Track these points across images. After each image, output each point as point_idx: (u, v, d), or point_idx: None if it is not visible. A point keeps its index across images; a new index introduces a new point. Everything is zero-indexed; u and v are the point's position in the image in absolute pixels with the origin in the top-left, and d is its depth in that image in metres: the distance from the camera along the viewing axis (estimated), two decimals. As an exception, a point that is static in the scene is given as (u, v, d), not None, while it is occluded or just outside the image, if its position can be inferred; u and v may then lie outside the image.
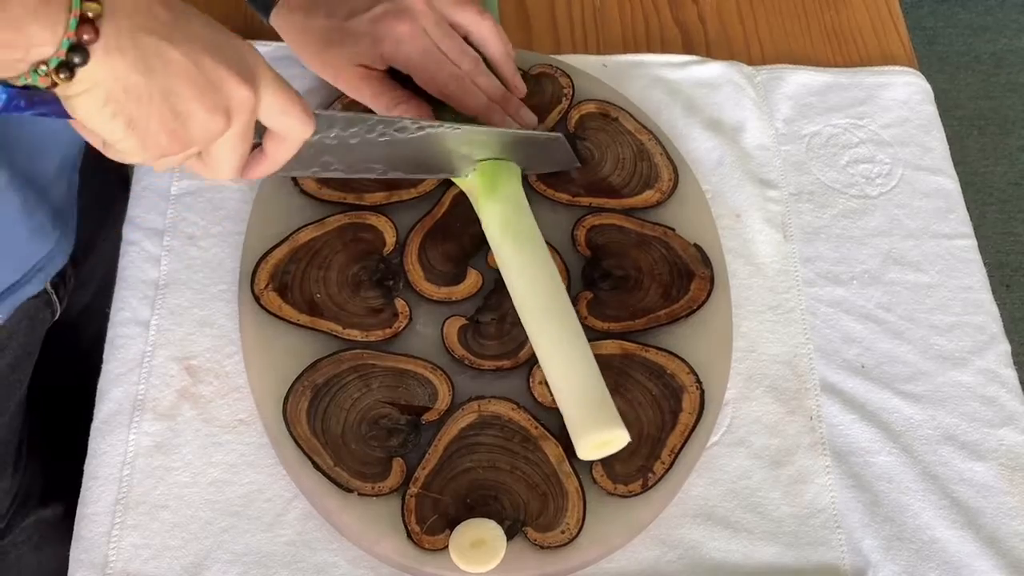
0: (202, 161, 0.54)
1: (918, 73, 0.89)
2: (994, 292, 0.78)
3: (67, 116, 0.48)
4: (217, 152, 0.53)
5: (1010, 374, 0.75)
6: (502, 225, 0.69)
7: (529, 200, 0.73)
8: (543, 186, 0.76)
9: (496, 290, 0.71)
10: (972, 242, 0.80)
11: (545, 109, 0.80)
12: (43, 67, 0.44)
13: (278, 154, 0.57)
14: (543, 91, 0.81)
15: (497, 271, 0.71)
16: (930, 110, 0.87)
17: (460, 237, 0.73)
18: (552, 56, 0.85)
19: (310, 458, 0.64)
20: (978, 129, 1.97)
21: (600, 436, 0.63)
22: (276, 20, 0.75)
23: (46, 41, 0.44)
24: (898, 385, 0.73)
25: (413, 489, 0.63)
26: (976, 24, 2.12)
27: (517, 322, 0.69)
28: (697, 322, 0.71)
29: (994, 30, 2.12)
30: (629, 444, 0.65)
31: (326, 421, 0.65)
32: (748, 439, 0.70)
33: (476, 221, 0.72)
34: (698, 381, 0.69)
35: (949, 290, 0.78)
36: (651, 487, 0.65)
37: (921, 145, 0.85)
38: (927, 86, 0.88)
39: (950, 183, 0.83)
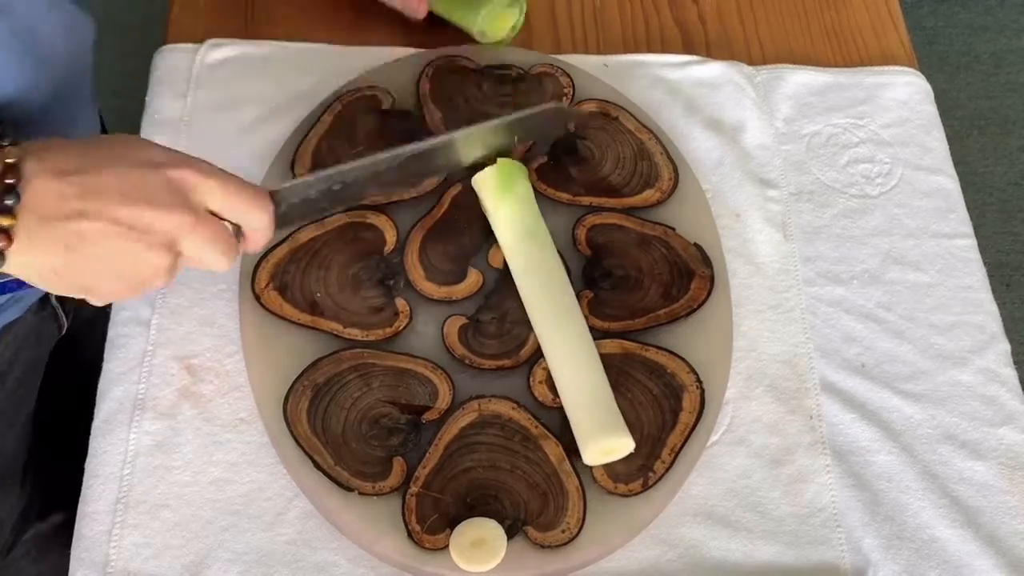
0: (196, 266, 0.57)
1: (918, 73, 0.89)
2: (994, 292, 0.78)
3: None
4: (198, 261, 0.56)
5: (1010, 373, 0.75)
6: (516, 226, 0.70)
7: (529, 199, 0.74)
8: (544, 185, 0.76)
9: (496, 289, 0.71)
10: (972, 242, 0.80)
11: (545, 109, 0.80)
12: None
13: (257, 239, 0.60)
14: (544, 90, 0.81)
15: (498, 270, 0.71)
16: (930, 110, 0.87)
17: (460, 236, 0.73)
18: (552, 56, 0.85)
19: (310, 457, 0.64)
20: (978, 129, 1.97)
21: (608, 443, 0.63)
22: None
23: None
24: (898, 384, 0.73)
25: (414, 488, 0.63)
26: (976, 24, 2.12)
27: (517, 321, 0.70)
28: (697, 321, 0.72)
29: (994, 30, 2.12)
30: (629, 443, 0.66)
31: (326, 420, 0.65)
32: (748, 438, 0.70)
33: (476, 220, 0.72)
34: (698, 380, 0.69)
35: (949, 289, 0.78)
36: (651, 486, 0.65)
37: (921, 145, 0.85)
38: (927, 86, 0.88)
39: (950, 183, 0.83)
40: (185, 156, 0.56)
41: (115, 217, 0.52)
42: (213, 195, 0.56)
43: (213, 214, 0.56)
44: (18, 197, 0.50)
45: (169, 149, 0.56)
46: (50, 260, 0.52)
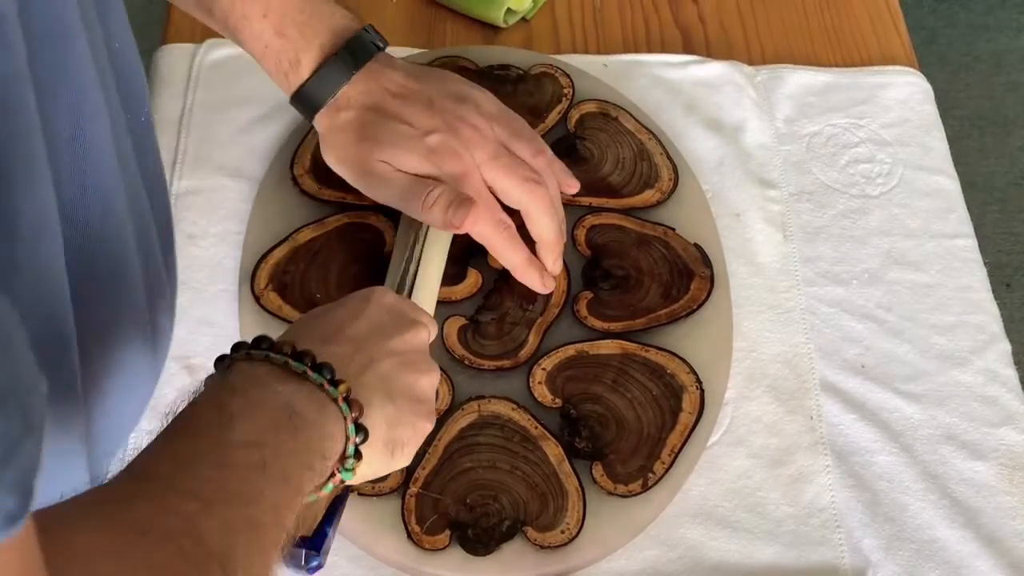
0: None
1: (918, 73, 0.89)
2: (994, 292, 0.78)
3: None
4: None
5: (1010, 374, 0.75)
6: None
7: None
8: (543, 186, 0.76)
9: (496, 290, 0.71)
10: (972, 242, 0.80)
11: (545, 108, 0.80)
12: (347, 463, 0.50)
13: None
14: (543, 91, 0.81)
15: (497, 271, 0.71)
16: (930, 110, 0.87)
17: (460, 237, 0.73)
18: (552, 56, 0.85)
19: (310, 458, 0.64)
20: (978, 129, 1.97)
21: None
22: (319, 118, 0.68)
23: (338, 435, 0.49)
24: (898, 385, 0.73)
25: (413, 489, 0.63)
26: (976, 24, 2.12)
27: (517, 322, 0.70)
28: (697, 322, 0.71)
29: (994, 30, 2.12)
30: (629, 444, 0.65)
31: (326, 421, 0.65)
32: (748, 439, 0.70)
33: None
34: (698, 381, 0.69)
35: (949, 290, 0.78)
36: (651, 487, 0.65)
37: (921, 145, 0.85)
38: (927, 86, 0.88)
39: (950, 183, 0.83)
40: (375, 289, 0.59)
41: (389, 350, 0.55)
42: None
43: None
44: (330, 368, 0.50)
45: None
46: (381, 414, 0.53)
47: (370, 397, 0.52)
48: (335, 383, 0.49)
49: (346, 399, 0.49)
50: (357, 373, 0.52)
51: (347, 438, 0.49)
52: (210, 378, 0.50)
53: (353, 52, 0.67)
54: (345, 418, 0.49)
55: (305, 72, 0.67)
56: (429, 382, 0.57)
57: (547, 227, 0.68)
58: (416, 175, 0.66)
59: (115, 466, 0.62)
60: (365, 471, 0.53)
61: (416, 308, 0.61)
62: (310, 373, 0.49)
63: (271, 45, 0.66)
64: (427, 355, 0.58)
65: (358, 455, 0.50)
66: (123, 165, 0.51)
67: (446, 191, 0.65)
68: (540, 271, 0.70)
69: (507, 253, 0.68)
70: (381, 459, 0.54)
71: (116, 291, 0.54)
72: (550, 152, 0.71)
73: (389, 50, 0.81)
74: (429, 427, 0.57)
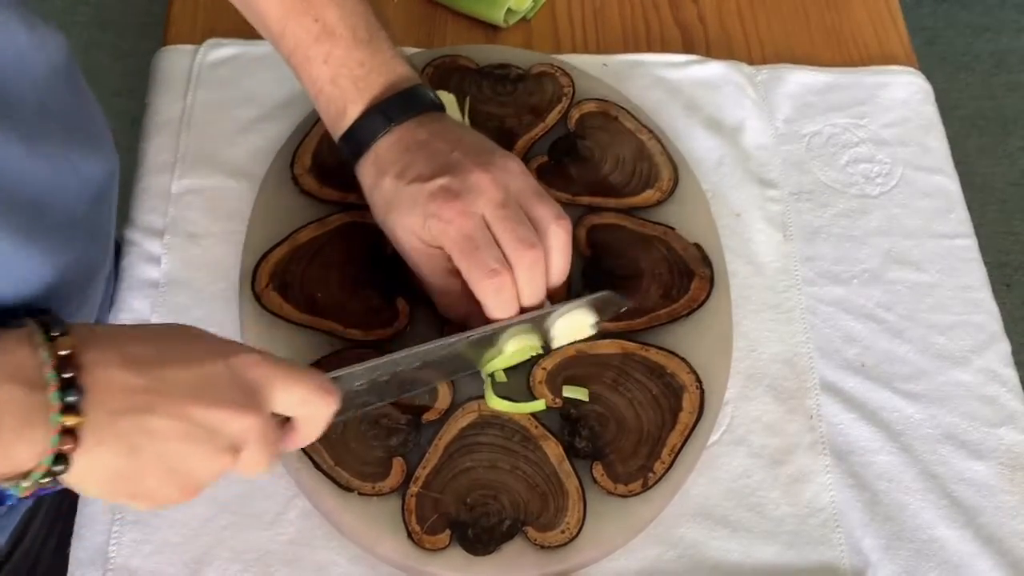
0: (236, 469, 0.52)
1: (918, 73, 0.89)
2: (994, 291, 0.78)
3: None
4: (244, 467, 0.52)
5: (1010, 373, 0.75)
6: None
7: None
8: (543, 185, 0.76)
9: (496, 289, 0.71)
10: (972, 241, 0.80)
11: (545, 108, 0.80)
12: (25, 481, 0.46)
13: (309, 431, 0.55)
14: (543, 90, 0.81)
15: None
16: (930, 110, 0.87)
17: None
18: (552, 55, 0.85)
19: (310, 457, 0.64)
20: (978, 129, 1.97)
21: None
22: (359, 171, 0.67)
23: (29, 459, 0.45)
24: (898, 384, 0.73)
25: (413, 489, 0.63)
26: (976, 24, 2.12)
27: (517, 321, 0.69)
28: (697, 321, 0.72)
29: (994, 30, 2.12)
30: (629, 443, 0.65)
31: (326, 420, 0.65)
32: (748, 438, 0.70)
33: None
34: (698, 380, 0.69)
35: (949, 289, 0.78)
36: (651, 487, 0.65)
37: (921, 145, 0.85)
38: (927, 86, 0.88)
39: (950, 183, 0.83)
40: (247, 347, 0.52)
41: (185, 415, 0.48)
42: (280, 386, 0.51)
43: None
44: (82, 392, 0.45)
45: (226, 340, 0.52)
46: (113, 463, 0.47)
47: (113, 440, 0.46)
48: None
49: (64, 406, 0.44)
50: (118, 410, 0.46)
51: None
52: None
53: (398, 105, 0.66)
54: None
55: (347, 122, 0.66)
56: (212, 466, 0.50)
57: (528, 295, 0.63)
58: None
59: None
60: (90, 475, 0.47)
61: (266, 364, 0.51)
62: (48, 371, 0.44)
63: (324, 91, 0.66)
64: (240, 439, 0.50)
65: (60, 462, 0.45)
66: None
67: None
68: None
69: (492, 306, 0.63)
70: (99, 494, 0.49)
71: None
72: (568, 225, 0.65)
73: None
74: (179, 501, 0.50)
